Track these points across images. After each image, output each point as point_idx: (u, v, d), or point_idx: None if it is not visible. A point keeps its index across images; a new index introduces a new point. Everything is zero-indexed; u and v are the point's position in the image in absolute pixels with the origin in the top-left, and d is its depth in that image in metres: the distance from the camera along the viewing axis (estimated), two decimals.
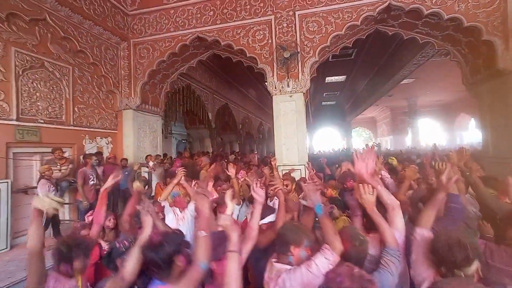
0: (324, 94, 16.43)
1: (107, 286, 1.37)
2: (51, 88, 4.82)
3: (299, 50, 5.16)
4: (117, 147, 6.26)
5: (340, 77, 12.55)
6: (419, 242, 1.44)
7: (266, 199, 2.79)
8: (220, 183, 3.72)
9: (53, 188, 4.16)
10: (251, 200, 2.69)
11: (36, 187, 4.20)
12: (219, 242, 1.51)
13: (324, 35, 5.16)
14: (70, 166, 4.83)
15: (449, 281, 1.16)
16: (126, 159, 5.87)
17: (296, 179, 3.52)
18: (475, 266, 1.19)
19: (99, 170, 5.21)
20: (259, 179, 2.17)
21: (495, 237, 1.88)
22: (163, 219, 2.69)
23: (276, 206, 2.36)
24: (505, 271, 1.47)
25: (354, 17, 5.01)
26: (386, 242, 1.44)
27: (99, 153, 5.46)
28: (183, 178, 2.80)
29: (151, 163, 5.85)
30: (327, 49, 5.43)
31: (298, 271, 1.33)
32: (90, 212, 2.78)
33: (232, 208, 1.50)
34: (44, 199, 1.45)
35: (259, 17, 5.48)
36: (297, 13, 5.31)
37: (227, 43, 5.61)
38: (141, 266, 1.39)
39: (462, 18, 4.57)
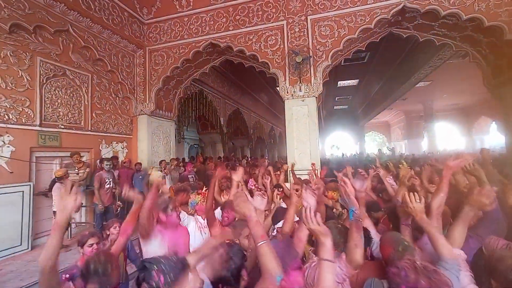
0: (336, 98, 16.22)
1: None
2: (71, 95, 5.04)
3: (311, 54, 5.14)
4: (132, 152, 6.42)
5: (353, 81, 12.38)
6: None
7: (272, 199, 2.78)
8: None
9: None
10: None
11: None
12: (282, 251, 1.35)
13: (336, 39, 5.12)
14: (87, 169, 4.99)
15: None
16: (141, 163, 5.99)
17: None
18: None
19: (115, 173, 5.34)
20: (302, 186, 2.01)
21: None
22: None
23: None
24: None
25: (367, 20, 4.95)
26: (440, 255, 1.30)
27: (114, 157, 5.62)
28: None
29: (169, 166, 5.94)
30: (339, 53, 5.38)
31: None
32: (116, 224, 2.35)
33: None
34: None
35: (272, 22, 5.52)
36: (309, 17, 5.31)
37: (239, 49, 5.67)
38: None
39: (483, 18, 4.41)
